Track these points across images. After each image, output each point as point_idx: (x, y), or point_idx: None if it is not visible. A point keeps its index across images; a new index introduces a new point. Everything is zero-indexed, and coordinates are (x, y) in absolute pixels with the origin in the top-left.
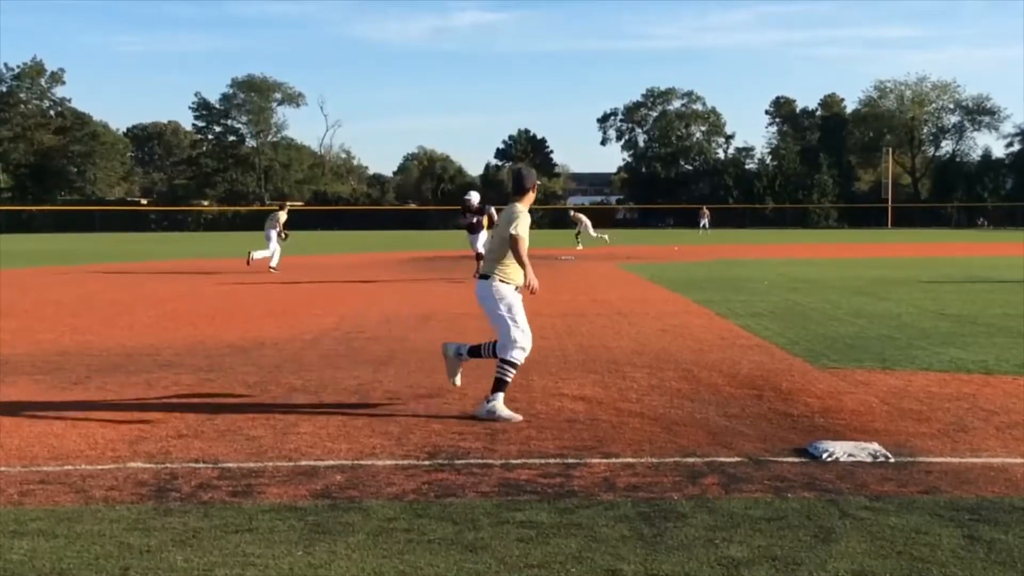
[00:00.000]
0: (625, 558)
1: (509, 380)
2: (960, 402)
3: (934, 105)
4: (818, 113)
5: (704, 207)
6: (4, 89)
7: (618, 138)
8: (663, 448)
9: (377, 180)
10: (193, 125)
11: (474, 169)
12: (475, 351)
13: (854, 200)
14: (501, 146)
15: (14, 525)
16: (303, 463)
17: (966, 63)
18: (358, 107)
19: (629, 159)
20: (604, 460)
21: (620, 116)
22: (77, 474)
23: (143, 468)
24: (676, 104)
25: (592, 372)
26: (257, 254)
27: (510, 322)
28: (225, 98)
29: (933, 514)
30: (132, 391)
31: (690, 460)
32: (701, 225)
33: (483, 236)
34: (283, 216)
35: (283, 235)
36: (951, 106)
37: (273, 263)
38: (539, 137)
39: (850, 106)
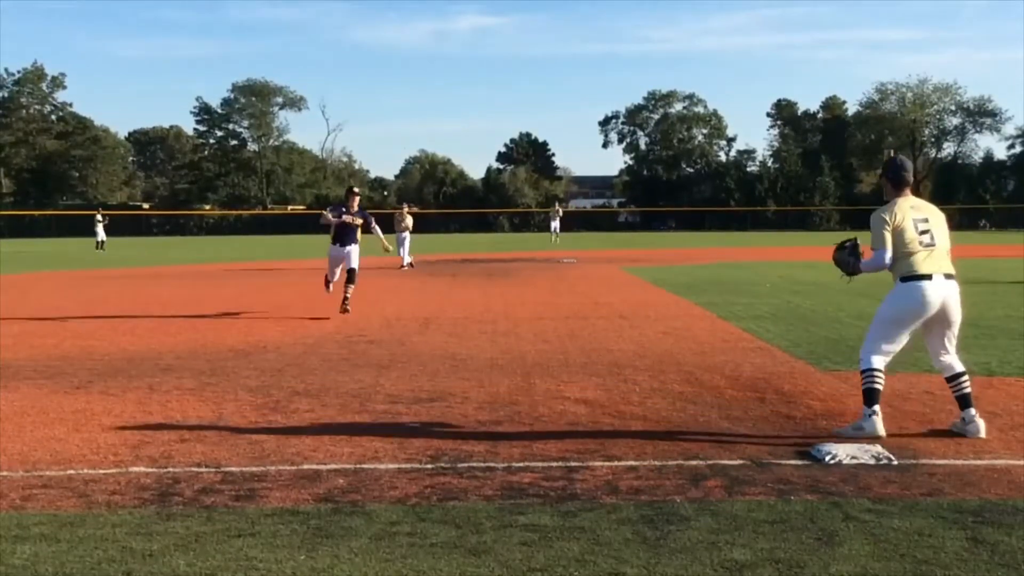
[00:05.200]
0: (628, 561)
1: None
2: None
3: (935, 107)
4: (819, 115)
5: (556, 204)
6: (5, 94)
7: (620, 141)
8: (666, 451)
9: (379, 184)
10: (195, 129)
11: (475, 172)
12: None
13: (856, 202)
14: (503, 149)
15: (16, 530)
16: (305, 467)
17: (967, 65)
18: (359, 111)
19: (631, 162)
20: (607, 463)
21: (622, 119)
22: (79, 479)
23: (145, 472)
24: (678, 107)
25: (594, 375)
26: None
27: None
28: (226, 102)
29: (936, 516)
30: (134, 395)
31: (693, 463)
32: (552, 229)
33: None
34: None
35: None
36: (952, 108)
37: None
38: (540, 140)
39: (851, 108)
